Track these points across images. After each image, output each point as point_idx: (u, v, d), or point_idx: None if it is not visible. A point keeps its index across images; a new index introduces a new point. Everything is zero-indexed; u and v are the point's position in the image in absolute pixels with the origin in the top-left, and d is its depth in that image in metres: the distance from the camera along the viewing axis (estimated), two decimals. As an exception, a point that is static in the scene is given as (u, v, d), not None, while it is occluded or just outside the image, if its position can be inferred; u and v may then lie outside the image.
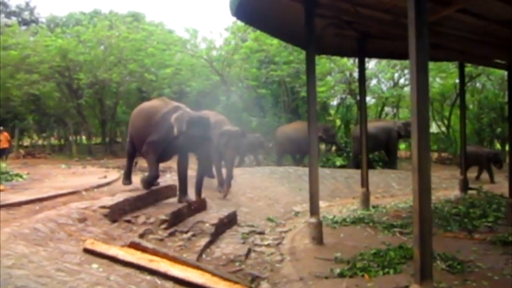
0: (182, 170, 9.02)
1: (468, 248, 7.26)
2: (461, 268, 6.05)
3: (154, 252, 6.00)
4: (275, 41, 20.64)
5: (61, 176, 11.60)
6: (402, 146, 26.27)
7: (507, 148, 20.06)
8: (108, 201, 7.67)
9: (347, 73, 24.63)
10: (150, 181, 8.92)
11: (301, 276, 6.07)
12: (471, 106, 26.59)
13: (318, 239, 7.73)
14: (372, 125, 18.69)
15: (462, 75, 14.75)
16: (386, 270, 6.02)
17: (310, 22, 7.72)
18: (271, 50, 22.52)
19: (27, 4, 33.84)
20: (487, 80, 24.38)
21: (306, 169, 9.02)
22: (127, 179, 9.73)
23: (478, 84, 26.34)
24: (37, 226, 6.02)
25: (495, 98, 24.22)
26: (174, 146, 8.63)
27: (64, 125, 27.49)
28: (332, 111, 30.11)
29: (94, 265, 5.26)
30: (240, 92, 23.78)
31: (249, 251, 7.47)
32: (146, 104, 9.57)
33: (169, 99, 9.76)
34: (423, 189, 4.53)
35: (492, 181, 15.70)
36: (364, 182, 11.41)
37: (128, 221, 7.42)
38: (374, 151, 19.00)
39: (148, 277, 5.26)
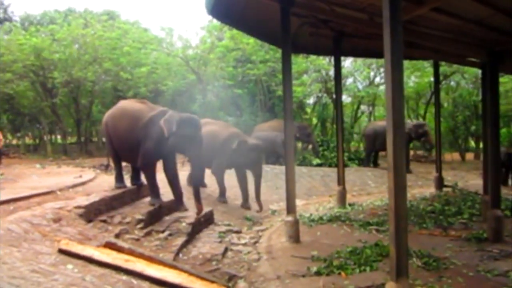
0: (173, 173, 8.84)
1: (443, 245, 7.36)
2: (437, 265, 6.13)
3: (130, 252, 5.95)
4: (251, 40, 20.59)
5: (36, 176, 11.42)
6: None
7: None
8: (83, 201, 7.60)
9: (323, 72, 24.63)
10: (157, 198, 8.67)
11: (278, 274, 6.09)
12: (445, 104, 26.90)
13: (295, 237, 7.77)
14: (383, 125, 18.87)
15: (436, 74, 14.96)
16: (363, 267, 6.07)
17: (286, 20, 7.74)
18: (247, 49, 22.46)
19: (1, 2, 33.27)
20: (461, 78, 24.64)
21: (283, 168, 9.04)
22: (120, 182, 9.16)
23: (452, 83, 26.65)
24: (11, 227, 5.93)
25: (469, 96, 24.50)
26: (163, 149, 8.39)
27: (38, 124, 27.06)
28: (308, 110, 30.25)
29: (69, 266, 5.19)
30: (216, 91, 23.68)
31: (226, 250, 7.48)
32: (127, 106, 9.03)
33: (145, 98, 9.58)
34: (399, 187, 4.57)
35: None
36: (341, 180, 11.48)
37: (104, 221, 7.37)
38: (383, 150, 19.32)
39: (124, 277, 5.22)
